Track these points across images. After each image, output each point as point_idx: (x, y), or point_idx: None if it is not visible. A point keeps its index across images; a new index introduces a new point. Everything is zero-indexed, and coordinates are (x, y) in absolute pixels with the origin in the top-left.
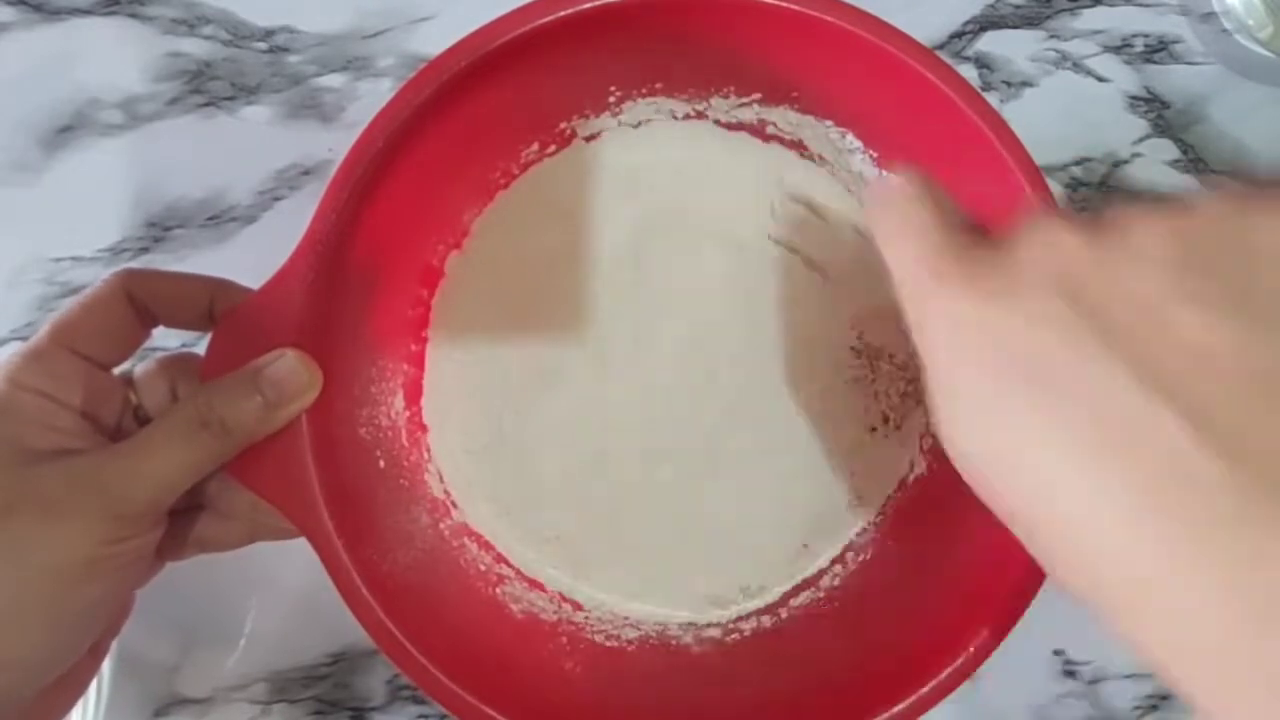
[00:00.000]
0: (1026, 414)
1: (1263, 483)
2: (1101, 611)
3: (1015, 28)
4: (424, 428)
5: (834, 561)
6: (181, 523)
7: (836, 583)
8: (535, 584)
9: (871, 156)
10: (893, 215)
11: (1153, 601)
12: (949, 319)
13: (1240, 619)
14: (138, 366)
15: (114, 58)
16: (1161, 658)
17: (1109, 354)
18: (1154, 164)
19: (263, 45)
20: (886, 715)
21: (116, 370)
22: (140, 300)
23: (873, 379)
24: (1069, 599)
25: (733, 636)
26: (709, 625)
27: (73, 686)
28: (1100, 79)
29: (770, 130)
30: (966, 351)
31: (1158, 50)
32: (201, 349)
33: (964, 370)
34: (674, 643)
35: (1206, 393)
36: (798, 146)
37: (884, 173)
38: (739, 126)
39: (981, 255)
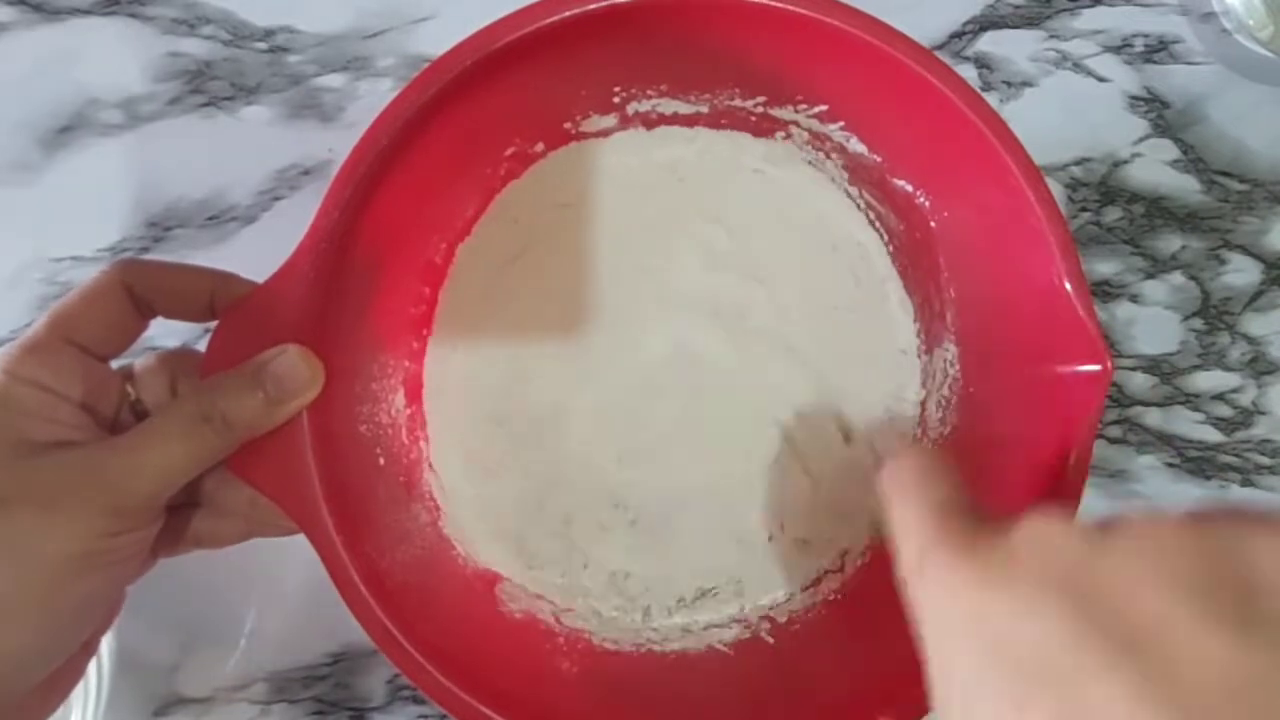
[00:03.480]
0: (1017, 708)
1: None
2: None
3: (1015, 28)
4: (424, 425)
5: (833, 567)
6: (177, 518)
7: (835, 586)
8: None
9: (876, 160)
10: (904, 489)
11: None
12: (945, 601)
13: None
14: (138, 361)
15: (114, 58)
16: None
17: (1115, 663)
18: (1154, 164)
19: (263, 45)
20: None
21: (115, 363)
22: (138, 292)
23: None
24: None
25: (730, 640)
26: (707, 628)
27: (64, 683)
28: (1100, 79)
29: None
30: (958, 636)
31: (1158, 50)
32: (203, 346)
33: (956, 658)
34: (672, 645)
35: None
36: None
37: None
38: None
39: (985, 541)
